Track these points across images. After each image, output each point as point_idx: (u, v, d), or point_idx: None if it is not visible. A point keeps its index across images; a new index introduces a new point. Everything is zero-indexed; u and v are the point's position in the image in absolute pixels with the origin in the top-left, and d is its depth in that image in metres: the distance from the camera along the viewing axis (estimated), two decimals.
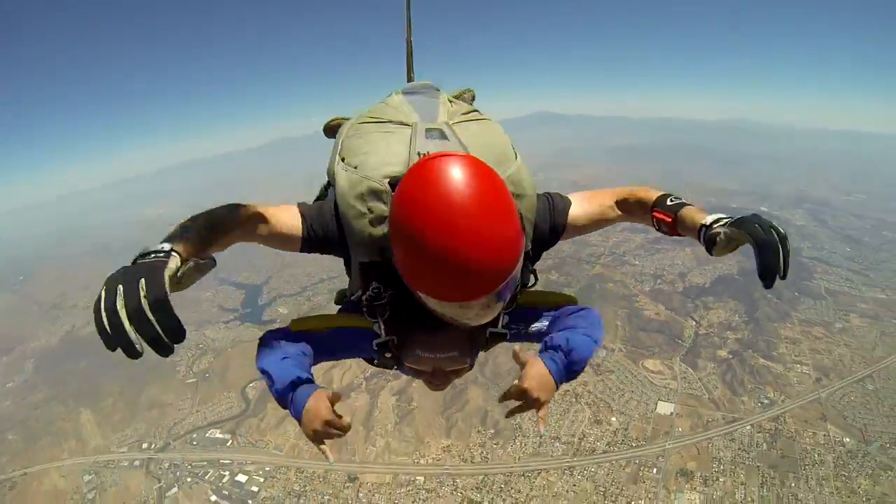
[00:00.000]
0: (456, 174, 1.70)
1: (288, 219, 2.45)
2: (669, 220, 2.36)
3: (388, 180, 2.27)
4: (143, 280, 1.48)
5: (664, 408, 43.31)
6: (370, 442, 43.02)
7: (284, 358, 2.43)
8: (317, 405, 2.20)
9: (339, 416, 2.18)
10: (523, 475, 39.16)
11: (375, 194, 2.27)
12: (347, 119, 3.00)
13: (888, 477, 35.82)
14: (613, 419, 42.46)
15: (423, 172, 1.75)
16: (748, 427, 40.75)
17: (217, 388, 51.68)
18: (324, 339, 2.66)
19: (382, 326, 2.39)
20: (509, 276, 1.85)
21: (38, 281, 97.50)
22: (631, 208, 2.59)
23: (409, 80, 4.63)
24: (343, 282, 2.92)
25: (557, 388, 2.39)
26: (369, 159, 2.40)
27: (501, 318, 2.51)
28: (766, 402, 43.41)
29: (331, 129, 3.23)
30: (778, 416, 41.70)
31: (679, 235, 2.38)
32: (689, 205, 2.38)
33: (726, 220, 2.12)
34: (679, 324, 55.01)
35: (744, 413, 42.27)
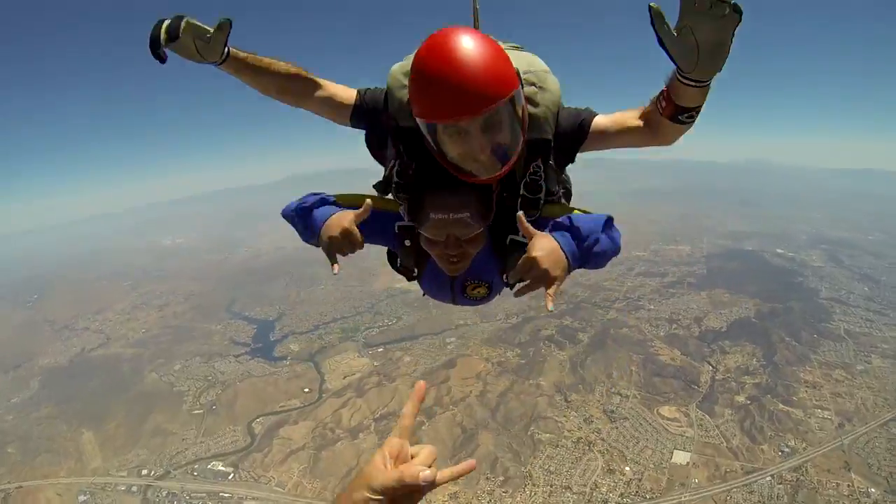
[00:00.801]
0: (459, 31, 2.17)
1: (344, 90, 2.87)
2: (665, 89, 2.38)
3: None
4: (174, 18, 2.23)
5: (680, 457, 41.80)
6: None
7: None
8: (341, 216, 2.56)
9: (360, 231, 2.53)
10: None
11: None
12: None
13: None
14: (627, 468, 40.95)
15: (436, 32, 2.21)
16: (768, 478, 38.96)
17: (223, 420, 51.16)
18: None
19: (407, 207, 2.72)
20: (494, 104, 2.17)
21: (53, 300, 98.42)
22: (648, 113, 2.60)
23: None
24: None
25: (570, 266, 2.47)
26: None
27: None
28: (786, 450, 41.63)
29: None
30: (799, 465, 39.89)
31: (676, 109, 2.37)
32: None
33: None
34: (695, 369, 53.66)
35: (763, 462, 40.55)
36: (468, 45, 2.13)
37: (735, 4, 1.82)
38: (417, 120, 2.36)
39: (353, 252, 2.59)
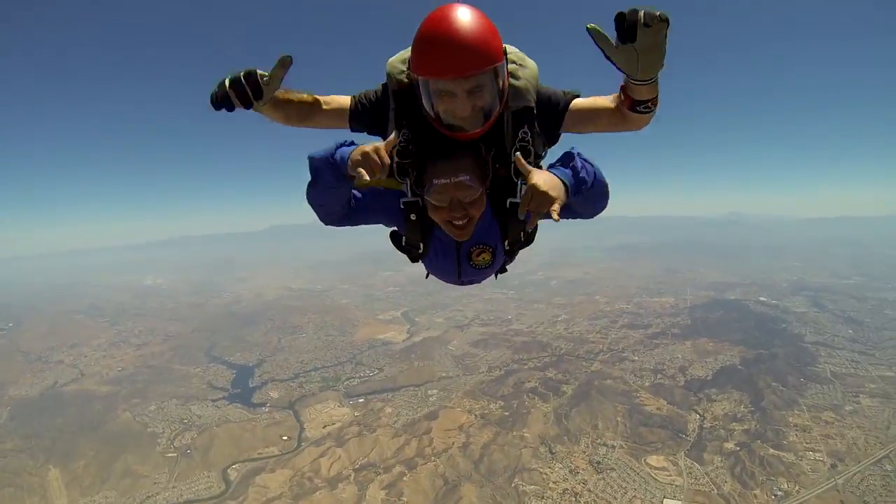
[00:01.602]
0: (463, 5, 2.55)
1: (342, 98, 3.19)
2: (623, 84, 2.70)
3: None
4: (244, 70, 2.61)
5: None
6: None
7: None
8: (368, 145, 2.63)
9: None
10: None
11: None
12: None
13: None
14: None
15: (444, 4, 2.57)
16: None
17: (198, 465, 48.88)
18: (363, 194, 3.21)
19: (409, 185, 3.00)
20: (481, 69, 2.54)
21: (28, 331, 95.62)
22: (617, 100, 2.87)
23: None
24: None
25: (568, 192, 2.69)
26: None
27: (519, 189, 2.99)
28: (779, 493, 40.52)
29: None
30: None
31: (633, 101, 2.70)
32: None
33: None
34: (682, 418, 52.64)
35: None
36: (469, 17, 2.51)
37: (660, 14, 2.12)
38: (415, 75, 2.71)
39: (377, 170, 2.57)
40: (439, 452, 48.60)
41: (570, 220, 3.24)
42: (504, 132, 2.95)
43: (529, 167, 2.64)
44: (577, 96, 3.06)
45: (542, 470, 45.37)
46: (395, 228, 3.49)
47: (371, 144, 2.61)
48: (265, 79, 2.61)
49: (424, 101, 2.76)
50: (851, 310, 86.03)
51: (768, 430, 49.06)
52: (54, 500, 45.08)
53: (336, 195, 2.96)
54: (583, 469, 45.33)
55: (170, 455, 50.82)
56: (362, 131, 3.24)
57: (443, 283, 4.06)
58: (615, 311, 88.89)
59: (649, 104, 2.67)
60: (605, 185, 3.05)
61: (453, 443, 50.04)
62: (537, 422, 52.76)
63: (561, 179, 2.68)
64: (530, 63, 3.03)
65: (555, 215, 2.54)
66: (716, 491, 41.72)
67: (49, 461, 49.76)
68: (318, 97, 3.13)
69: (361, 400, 61.46)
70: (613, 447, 48.31)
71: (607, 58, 2.35)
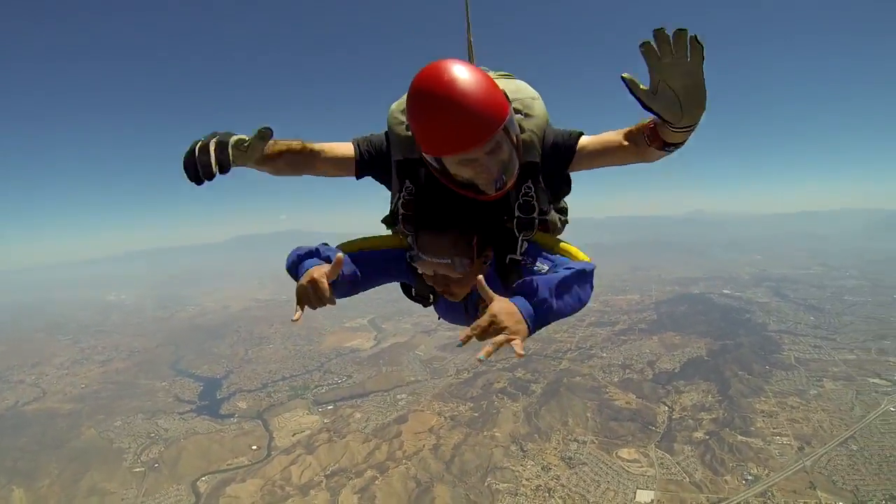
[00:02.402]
0: (446, 64, 2.25)
1: (342, 147, 2.95)
2: (652, 125, 2.39)
3: None
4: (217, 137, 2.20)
5: (644, 496, 40.41)
6: None
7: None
8: (316, 268, 2.54)
9: (329, 287, 2.47)
10: None
11: None
12: None
13: None
14: None
15: (425, 67, 2.27)
16: None
17: (166, 479, 47.41)
18: (368, 259, 3.08)
19: (415, 240, 2.79)
20: (494, 131, 2.30)
21: None
22: (634, 135, 2.58)
23: None
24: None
25: (530, 327, 2.28)
26: None
27: (520, 245, 2.86)
28: (750, 478, 40.99)
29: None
30: (765, 490, 39.30)
31: (661, 143, 2.42)
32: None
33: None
34: (651, 411, 52.93)
35: (728, 492, 39.72)
36: (459, 78, 2.21)
37: (693, 37, 1.86)
38: (425, 155, 2.52)
39: (321, 305, 2.52)
40: (410, 455, 48.06)
41: None
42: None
43: (491, 294, 2.33)
44: (581, 134, 2.85)
45: (514, 468, 45.07)
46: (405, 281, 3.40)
47: (310, 276, 2.49)
48: (244, 144, 2.28)
49: (435, 168, 2.56)
50: (812, 298, 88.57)
51: (736, 417, 49.67)
52: None
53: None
54: (555, 465, 45.13)
55: (137, 470, 49.25)
56: (370, 177, 3.08)
57: None
58: (582, 312, 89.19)
59: (680, 144, 2.43)
60: (581, 308, 2.74)
61: (424, 445, 49.54)
62: (507, 421, 52.46)
63: (524, 318, 2.31)
64: (538, 110, 2.84)
65: (518, 348, 2.16)
66: (687, 479, 41.99)
67: (12, 482, 47.89)
68: (308, 145, 2.85)
69: (330, 407, 60.54)
70: (584, 442, 48.24)
71: (646, 107, 2.12)
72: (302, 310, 2.51)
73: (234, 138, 2.22)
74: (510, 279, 2.91)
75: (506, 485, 42.97)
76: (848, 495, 37.81)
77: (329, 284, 2.51)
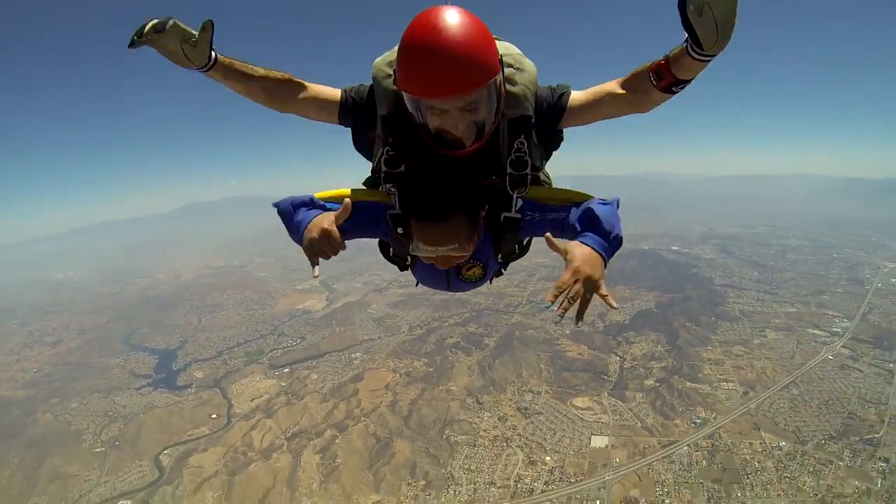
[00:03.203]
0: (449, 9, 2.21)
1: (329, 90, 2.87)
2: (664, 62, 2.33)
3: None
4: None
5: (598, 441, 41.55)
6: (295, 503, 39.41)
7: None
8: (322, 217, 2.49)
9: (340, 233, 2.44)
10: None
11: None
12: None
13: (830, 470, 35.96)
14: (548, 458, 40.20)
15: (427, 9, 2.24)
16: (685, 447, 39.71)
17: (128, 456, 46.24)
18: (358, 208, 2.76)
19: (397, 197, 2.73)
20: (476, 87, 2.25)
21: None
22: (631, 82, 2.55)
23: None
24: None
25: (605, 262, 2.39)
26: None
27: (515, 202, 2.77)
28: (698, 421, 42.64)
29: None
30: (712, 432, 40.99)
31: (673, 81, 2.36)
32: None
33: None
34: (603, 361, 54.13)
35: (678, 435, 41.21)
36: (460, 25, 2.16)
37: None
38: (403, 93, 2.39)
39: (335, 254, 2.49)
40: (368, 412, 48.16)
41: None
42: (499, 142, 2.72)
43: (562, 245, 2.39)
44: (570, 89, 2.79)
45: (471, 420, 45.64)
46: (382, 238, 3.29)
47: (319, 227, 2.42)
48: (192, 40, 2.28)
49: (412, 111, 2.46)
50: (757, 255, 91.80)
51: (684, 365, 51.36)
52: None
53: None
54: (511, 416, 45.86)
55: (98, 450, 47.74)
56: (351, 126, 2.99)
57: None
58: (532, 266, 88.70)
59: (686, 83, 2.39)
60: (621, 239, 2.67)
61: (381, 402, 49.67)
62: (462, 375, 52.90)
63: (598, 253, 2.39)
64: (528, 66, 2.76)
65: (612, 303, 2.31)
66: (640, 424, 43.36)
67: None
68: (294, 78, 2.79)
69: (287, 370, 60.00)
70: (539, 393, 49.10)
71: (687, 26, 2.03)
72: (318, 263, 2.46)
73: (178, 22, 2.24)
74: (505, 239, 2.94)
75: (464, 436, 43.50)
76: (790, 435, 39.73)
77: (346, 224, 2.51)
